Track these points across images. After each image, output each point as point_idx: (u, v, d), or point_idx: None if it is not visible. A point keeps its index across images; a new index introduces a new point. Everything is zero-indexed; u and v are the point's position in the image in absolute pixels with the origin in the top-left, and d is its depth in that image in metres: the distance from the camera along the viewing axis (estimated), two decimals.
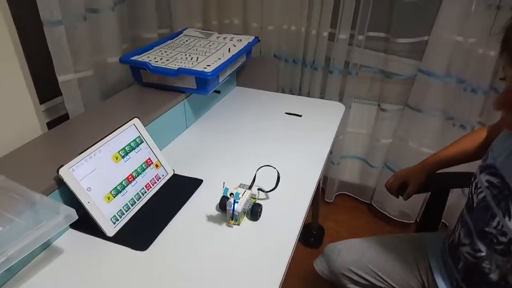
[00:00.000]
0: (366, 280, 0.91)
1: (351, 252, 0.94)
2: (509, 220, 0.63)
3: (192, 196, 0.85)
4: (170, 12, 1.54)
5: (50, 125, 1.13)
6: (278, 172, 0.86)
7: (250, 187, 0.80)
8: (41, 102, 1.11)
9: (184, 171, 0.93)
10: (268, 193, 0.86)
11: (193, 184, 0.89)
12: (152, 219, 0.78)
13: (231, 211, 0.75)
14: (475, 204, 0.73)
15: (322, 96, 1.68)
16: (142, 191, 0.82)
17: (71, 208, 0.61)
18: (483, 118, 1.48)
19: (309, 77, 1.66)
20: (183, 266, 0.68)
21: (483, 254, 0.69)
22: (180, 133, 1.11)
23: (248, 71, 1.46)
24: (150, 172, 0.85)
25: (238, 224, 0.78)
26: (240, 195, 0.76)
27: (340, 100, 1.65)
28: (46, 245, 0.70)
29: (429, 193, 1.02)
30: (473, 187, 0.75)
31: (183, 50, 1.20)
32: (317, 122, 1.19)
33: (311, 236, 1.66)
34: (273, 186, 0.85)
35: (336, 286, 0.98)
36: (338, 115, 1.24)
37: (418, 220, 1.71)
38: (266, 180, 0.87)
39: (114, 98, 1.07)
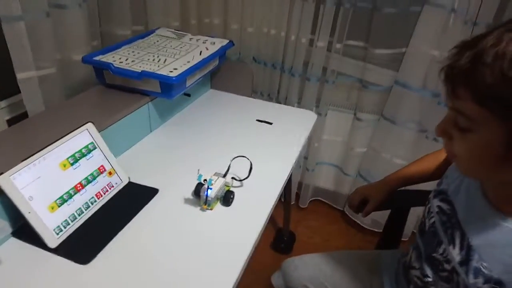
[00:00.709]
0: None
1: (308, 268, 0.93)
2: (453, 248, 0.63)
3: (147, 205, 0.83)
4: (145, 9, 1.50)
5: (11, 122, 1.09)
6: (250, 162, 0.93)
7: (224, 176, 0.86)
8: (1, 99, 1.08)
9: (141, 179, 0.90)
10: (242, 182, 0.92)
11: (148, 193, 0.87)
12: (100, 230, 0.75)
13: (204, 197, 0.81)
14: (426, 228, 0.73)
15: (299, 102, 1.66)
16: (91, 200, 0.79)
17: (4, 221, 0.58)
18: None
19: (287, 83, 1.65)
20: (128, 278, 0.66)
21: (430, 279, 0.69)
22: (143, 137, 1.08)
23: (223, 74, 1.44)
24: (102, 180, 0.82)
25: (211, 209, 0.84)
26: (213, 182, 0.81)
27: (317, 107, 1.64)
28: None
29: (390, 212, 1.01)
30: (426, 211, 0.75)
31: (153, 50, 1.17)
32: (287, 130, 1.18)
33: (282, 242, 1.66)
34: (246, 176, 0.91)
35: None
36: (309, 124, 1.23)
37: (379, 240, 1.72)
38: (240, 171, 0.93)
39: (76, 98, 1.04)
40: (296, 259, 0.97)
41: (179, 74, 0.99)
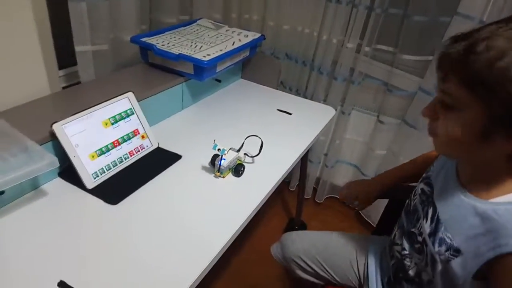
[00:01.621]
0: (312, 269, 0.99)
1: (304, 242, 1.02)
2: (426, 222, 0.72)
3: (171, 167, 0.96)
4: (192, 0, 1.64)
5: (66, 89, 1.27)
6: (261, 140, 1.04)
7: (238, 150, 0.98)
8: (60, 68, 1.26)
9: (168, 146, 1.04)
10: (253, 158, 1.03)
11: (173, 158, 1.00)
12: (128, 181, 0.89)
13: (218, 165, 0.93)
14: (410, 208, 0.82)
15: (325, 100, 1.74)
16: (125, 156, 0.93)
17: (55, 157, 0.73)
18: None
19: (315, 80, 1.72)
20: (149, 223, 0.79)
21: (406, 252, 0.77)
22: (175, 112, 1.22)
23: (253, 65, 1.55)
24: (136, 141, 0.97)
25: (223, 177, 0.95)
26: (226, 152, 0.92)
27: (341, 106, 1.71)
28: (36, 186, 0.83)
29: (387, 202, 1.08)
30: (412, 194, 0.83)
31: (192, 38, 1.30)
32: (304, 122, 1.27)
33: (293, 230, 1.74)
34: (257, 153, 1.03)
35: (287, 271, 1.07)
36: (327, 118, 1.31)
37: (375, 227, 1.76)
38: (253, 150, 1.05)
39: (122, 71, 1.19)
40: (294, 233, 1.07)
41: (211, 59, 1.12)
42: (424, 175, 0.82)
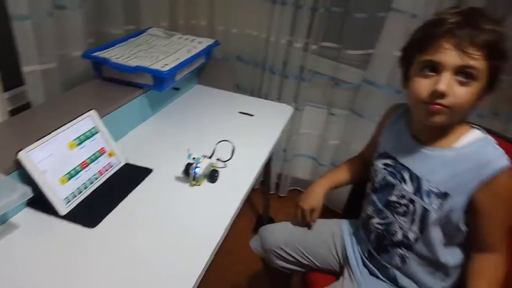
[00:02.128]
0: (293, 257, 1.04)
1: (283, 233, 1.07)
2: (406, 184, 0.83)
3: (143, 182, 0.96)
4: (138, 9, 1.61)
5: (13, 112, 1.19)
6: (233, 145, 1.07)
7: (210, 157, 1.00)
8: (5, 90, 1.18)
9: (137, 161, 1.03)
10: (225, 163, 1.05)
11: (143, 172, 0.99)
12: (103, 201, 0.87)
13: (193, 174, 0.94)
14: (377, 185, 0.91)
15: (279, 98, 1.81)
16: (95, 176, 0.91)
17: (26, 187, 0.70)
18: None
19: (268, 80, 1.79)
20: (131, 241, 0.79)
21: (390, 220, 0.87)
22: (137, 125, 1.20)
23: (209, 70, 1.56)
24: (103, 160, 0.95)
25: (199, 185, 0.96)
26: (201, 160, 0.95)
27: (295, 103, 1.79)
28: (4, 220, 0.79)
29: (351, 188, 1.17)
30: (372, 174, 0.94)
31: (145, 48, 1.29)
32: (266, 121, 1.32)
33: (260, 226, 1.79)
34: (229, 157, 1.06)
35: (267, 263, 1.11)
36: (286, 116, 1.37)
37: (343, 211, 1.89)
38: (224, 154, 1.07)
39: (76, 90, 1.15)
40: (272, 225, 1.12)
41: (170, 69, 1.12)
42: (375, 155, 0.93)
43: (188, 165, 0.97)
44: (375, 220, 0.91)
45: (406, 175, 0.83)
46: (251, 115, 1.34)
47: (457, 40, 0.68)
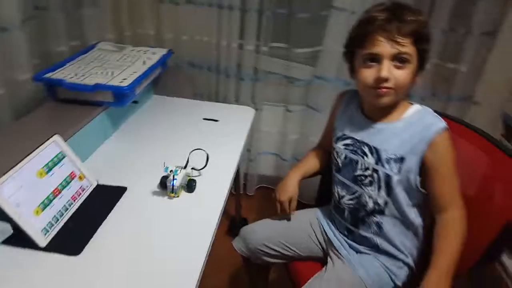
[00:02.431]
0: (278, 252, 1.09)
1: (264, 230, 1.12)
2: (367, 158, 0.94)
3: (120, 202, 0.94)
4: (80, 24, 1.55)
5: None
6: (207, 153, 1.07)
7: (185, 167, 0.99)
8: None
9: (108, 181, 1.00)
10: (200, 171, 1.06)
11: (117, 191, 0.97)
12: (81, 227, 0.85)
13: (171, 186, 0.94)
14: (341, 165, 1.01)
15: (236, 100, 1.84)
16: (68, 202, 0.88)
17: (5, 223, 0.66)
18: None
19: (223, 84, 1.81)
20: (119, 263, 0.78)
21: (359, 192, 0.97)
22: (100, 144, 1.17)
23: (164, 80, 1.55)
24: (75, 185, 0.91)
25: (178, 196, 0.97)
26: (179, 172, 0.95)
27: (253, 103, 1.83)
28: None
29: (320, 178, 1.25)
30: (334, 156, 1.04)
31: (98, 64, 1.25)
32: (232, 125, 1.35)
33: (236, 227, 1.82)
34: (203, 165, 1.06)
35: (251, 262, 1.15)
36: (250, 118, 1.41)
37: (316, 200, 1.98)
38: (197, 163, 1.06)
39: (31, 115, 1.09)
40: (253, 224, 1.16)
41: (130, 83, 1.11)
42: (333, 139, 1.04)
43: (164, 178, 0.97)
44: (346, 198, 1.00)
45: (366, 149, 0.94)
46: (216, 121, 1.36)
47: (388, 33, 0.81)
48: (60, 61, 1.23)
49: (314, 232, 1.11)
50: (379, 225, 0.96)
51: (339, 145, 1.02)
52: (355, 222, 1.00)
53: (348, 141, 0.99)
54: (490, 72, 1.67)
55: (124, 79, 1.15)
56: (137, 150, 1.17)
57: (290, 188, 1.09)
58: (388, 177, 0.91)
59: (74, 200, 0.90)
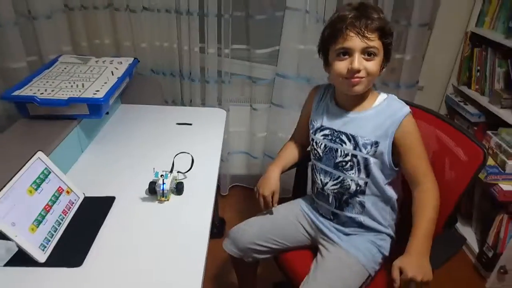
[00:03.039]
0: (268, 247, 1.15)
1: (253, 229, 1.17)
2: (346, 145, 1.03)
3: (111, 211, 0.95)
4: (36, 38, 1.50)
5: None
6: (191, 156, 1.10)
7: (171, 171, 1.02)
8: None
9: (94, 192, 1.00)
10: (185, 174, 1.09)
11: (107, 201, 0.98)
12: (78, 239, 0.85)
13: (161, 191, 0.96)
14: (321, 154, 1.09)
15: (203, 103, 1.88)
16: (60, 217, 0.88)
17: (8, 241, 0.66)
18: None
19: (188, 88, 1.84)
20: (122, 269, 0.79)
21: (341, 177, 1.06)
22: (78, 157, 1.16)
23: (130, 88, 1.55)
24: (64, 199, 0.91)
25: (168, 200, 0.99)
26: (169, 175, 0.98)
27: (219, 105, 1.88)
28: None
29: (295, 171, 1.33)
30: (314, 145, 1.11)
31: (65, 78, 1.23)
32: (206, 127, 1.39)
33: (214, 227, 1.86)
34: (188, 168, 1.09)
35: (241, 261, 1.19)
36: (222, 119, 1.46)
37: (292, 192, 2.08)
38: (179, 166, 1.09)
39: (5, 135, 1.05)
40: (241, 225, 1.20)
41: (105, 94, 1.11)
42: (312, 131, 1.12)
43: (152, 183, 1.00)
44: (330, 184, 1.08)
45: (344, 138, 1.04)
46: (190, 124, 1.40)
47: (357, 29, 0.92)
48: (21, 77, 1.20)
49: (301, 223, 1.18)
50: (362, 204, 1.06)
51: (318, 136, 1.09)
52: (339, 205, 1.09)
53: (326, 132, 1.07)
54: (430, 60, 1.88)
55: (97, 90, 1.14)
56: (117, 160, 1.17)
57: (272, 182, 1.15)
58: (366, 160, 1.01)
59: (65, 214, 0.90)
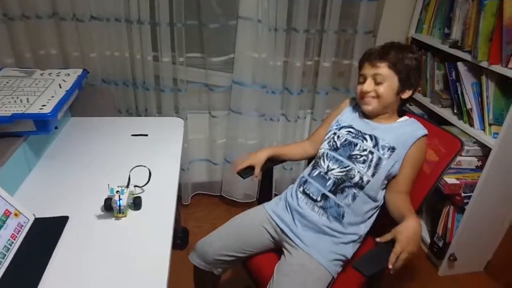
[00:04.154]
0: (235, 256, 1.16)
1: (219, 241, 1.17)
2: (366, 142, 1.17)
3: (65, 231, 0.90)
4: None
5: None
6: (149, 169, 1.08)
7: (127, 186, 0.98)
8: None
9: (46, 213, 0.95)
10: (143, 188, 1.06)
11: (59, 222, 0.93)
12: (29, 265, 0.80)
13: (117, 207, 0.93)
14: (339, 145, 1.20)
15: (159, 112, 1.85)
16: (9, 242, 0.82)
17: None
18: (283, 111, 1.97)
19: (143, 97, 1.80)
20: None
21: (350, 167, 1.15)
22: (26, 177, 1.09)
23: (81, 100, 1.48)
24: (11, 223, 0.85)
25: (125, 216, 0.96)
26: (125, 191, 0.95)
27: (176, 113, 1.86)
28: None
29: (261, 174, 1.35)
30: (334, 138, 1.24)
31: (8, 93, 1.16)
32: (163, 138, 1.36)
33: (178, 238, 1.83)
34: (146, 181, 1.06)
35: (205, 273, 1.19)
36: (180, 128, 1.44)
37: (258, 197, 2.11)
38: (136, 180, 1.05)
39: None
40: (207, 238, 1.20)
41: (53, 109, 1.06)
42: (335, 127, 1.27)
43: (108, 200, 0.97)
44: (336, 170, 1.17)
45: (367, 137, 1.18)
46: (146, 135, 1.37)
47: (370, 60, 1.16)
48: None
49: (266, 228, 1.20)
50: (354, 197, 1.13)
51: (343, 131, 1.23)
52: (335, 190, 1.15)
53: (351, 130, 1.22)
54: None
55: (44, 105, 1.09)
56: (68, 177, 1.12)
57: (255, 158, 1.29)
58: (379, 160, 1.13)
59: (14, 239, 0.84)
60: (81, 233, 0.92)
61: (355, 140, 1.19)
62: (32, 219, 0.92)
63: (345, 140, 1.21)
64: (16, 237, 0.85)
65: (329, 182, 1.16)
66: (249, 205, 2.10)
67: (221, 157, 2.04)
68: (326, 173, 1.19)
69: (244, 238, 1.17)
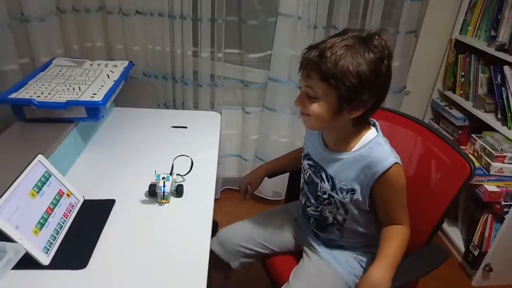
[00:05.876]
0: (255, 251, 1.16)
1: (243, 232, 1.18)
2: (324, 183, 0.99)
3: (111, 214, 0.95)
4: (28, 41, 1.49)
5: None
6: (191, 159, 1.11)
7: (171, 173, 1.02)
8: None
9: (93, 195, 1.00)
10: (184, 177, 1.10)
11: (107, 204, 0.98)
12: (80, 241, 0.85)
13: (161, 193, 0.97)
14: (307, 180, 1.07)
15: (196, 107, 1.89)
16: (62, 220, 0.87)
17: (15, 244, 0.66)
18: None
19: (181, 91, 1.85)
20: (126, 271, 0.80)
21: (320, 208, 1.05)
22: (75, 161, 1.15)
23: (124, 91, 1.54)
24: (64, 202, 0.91)
25: (168, 202, 1.00)
26: (171, 177, 0.99)
27: (212, 108, 1.90)
28: None
29: (289, 174, 1.34)
30: (303, 170, 1.10)
31: (61, 81, 1.22)
32: (201, 130, 1.39)
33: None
34: (188, 170, 1.10)
35: (223, 262, 1.17)
36: (217, 122, 1.47)
37: (286, 195, 2.11)
38: (178, 169, 1.09)
39: (2, 138, 1.04)
40: (230, 227, 1.20)
41: (104, 97, 1.11)
42: (302, 154, 1.10)
43: (152, 186, 1.01)
44: (311, 209, 1.08)
45: (324, 175, 0.99)
46: (185, 127, 1.41)
47: (306, 62, 0.85)
48: (12, 79, 1.19)
49: (288, 229, 1.19)
50: (341, 232, 1.04)
51: (305, 163, 1.07)
52: (319, 228, 1.08)
53: (310, 162, 1.04)
54: (417, 66, 1.95)
55: (95, 94, 1.14)
56: (113, 163, 1.17)
57: (253, 176, 1.24)
58: (341, 203, 0.97)
59: (66, 218, 0.89)
60: (127, 216, 0.96)
61: (316, 179, 1.02)
62: (81, 200, 0.98)
63: (309, 177, 1.05)
64: (68, 216, 0.91)
65: (311, 221, 1.10)
66: (277, 203, 2.11)
67: (252, 154, 2.06)
68: (305, 209, 1.11)
69: (267, 234, 1.17)
